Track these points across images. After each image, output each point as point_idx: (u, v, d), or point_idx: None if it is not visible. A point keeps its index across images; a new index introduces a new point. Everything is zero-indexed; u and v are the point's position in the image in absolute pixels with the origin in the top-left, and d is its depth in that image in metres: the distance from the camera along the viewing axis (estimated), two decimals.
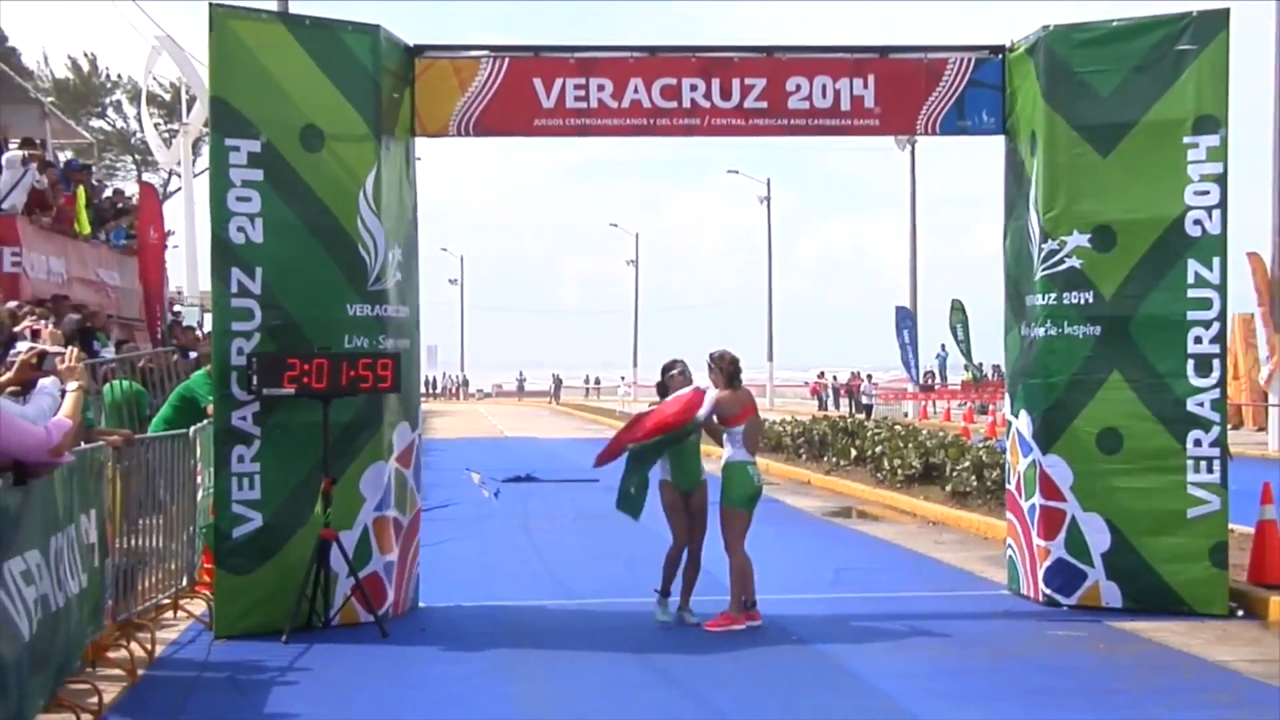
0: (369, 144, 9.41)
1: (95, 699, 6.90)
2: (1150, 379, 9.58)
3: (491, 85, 9.96)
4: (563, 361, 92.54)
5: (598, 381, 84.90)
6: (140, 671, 7.75)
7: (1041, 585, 9.94)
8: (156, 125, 43.79)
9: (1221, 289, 9.54)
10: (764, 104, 10.13)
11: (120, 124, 56.10)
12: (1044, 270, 9.87)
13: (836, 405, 51.03)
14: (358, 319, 9.37)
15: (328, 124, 9.27)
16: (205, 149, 28.89)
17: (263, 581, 9.00)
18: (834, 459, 21.43)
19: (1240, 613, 9.52)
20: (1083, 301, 9.73)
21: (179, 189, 41.96)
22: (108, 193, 24.91)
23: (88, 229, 19.94)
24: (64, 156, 24.33)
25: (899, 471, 18.14)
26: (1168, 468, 9.53)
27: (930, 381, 48.15)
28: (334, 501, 9.01)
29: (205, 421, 9.79)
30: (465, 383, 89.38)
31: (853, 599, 10.43)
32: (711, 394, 9.20)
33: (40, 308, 13.89)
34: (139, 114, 45.28)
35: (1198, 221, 9.50)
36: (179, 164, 37.53)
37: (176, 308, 25.10)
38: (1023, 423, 10.12)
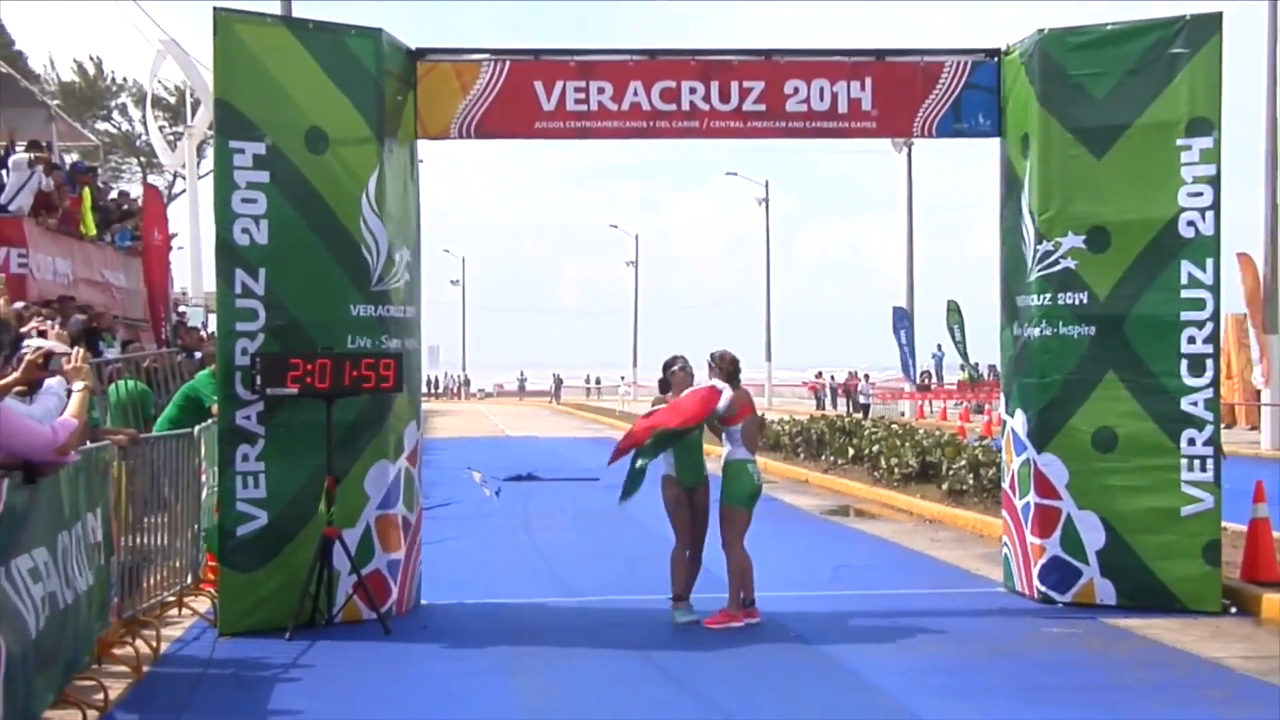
0: (371, 146, 9.41)
1: (101, 695, 6.90)
2: (1144, 379, 9.58)
3: (493, 88, 9.97)
4: (563, 361, 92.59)
5: (598, 381, 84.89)
6: (145, 668, 7.75)
7: (1037, 582, 9.94)
8: (161, 128, 43.72)
9: (1215, 290, 9.55)
10: (762, 106, 10.13)
11: (125, 127, 56.08)
12: (1039, 271, 9.87)
13: (834, 405, 51.03)
14: (361, 319, 9.37)
15: (331, 126, 9.27)
16: (209, 151, 28.87)
17: (267, 579, 9.00)
18: (832, 458, 21.44)
19: (1233, 610, 9.53)
20: (1077, 302, 9.74)
21: (183, 191, 41.98)
22: (113, 194, 24.89)
23: (93, 230, 19.94)
24: (70, 159, 24.31)
25: (896, 470, 18.15)
26: (1162, 466, 9.53)
27: (927, 381, 48.17)
28: (338, 500, 9.01)
29: (210, 421, 9.80)
30: (467, 382, 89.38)
31: (850, 596, 10.43)
32: (728, 392, 9.18)
33: (46, 308, 13.89)
34: (144, 117, 45.23)
35: (1191, 223, 9.51)
36: (184, 166, 37.45)
37: (181, 308, 25.10)
38: (1018, 422, 10.12)
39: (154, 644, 8.21)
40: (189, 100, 36.70)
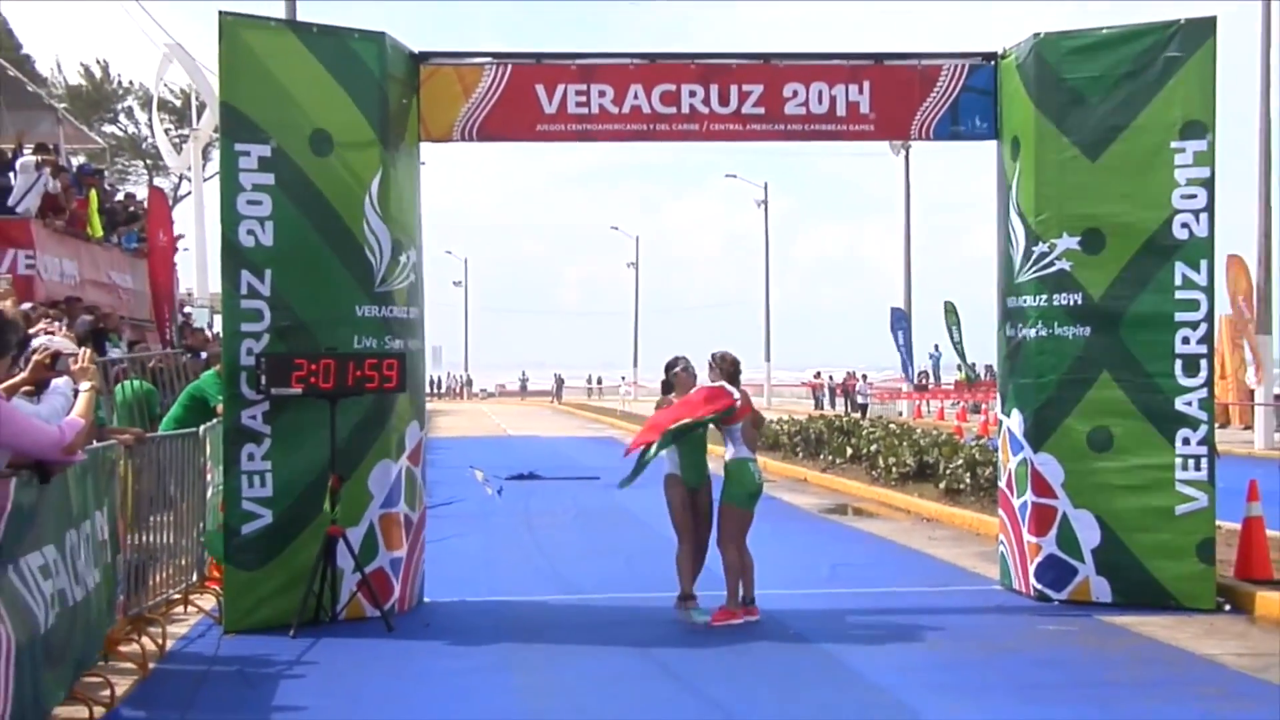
0: (375, 149, 9.42)
1: (107, 691, 6.91)
2: (1139, 379, 9.59)
3: (495, 91, 9.97)
4: (564, 362, 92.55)
5: (600, 381, 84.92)
6: (151, 665, 7.75)
7: (1033, 580, 9.94)
8: (167, 131, 43.80)
9: (1209, 291, 9.55)
10: (761, 110, 10.14)
11: (132, 130, 56.08)
12: (1035, 272, 9.88)
13: (832, 405, 51.02)
14: (365, 320, 9.37)
15: (335, 129, 9.27)
16: (215, 154, 28.87)
17: (271, 577, 9.01)
18: (830, 457, 21.44)
19: (1227, 607, 9.52)
20: (1072, 303, 9.74)
21: (189, 193, 42.02)
22: (119, 197, 24.91)
23: (100, 232, 19.95)
24: (77, 161, 24.29)
25: (894, 469, 18.15)
26: (1156, 465, 9.54)
27: (924, 381, 48.16)
28: (342, 498, 9.02)
29: (215, 420, 9.81)
30: (469, 382, 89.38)
31: (849, 594, 10.43)
32: (736, 392, 9.17)
33: (54, 309, 13.90)
34: (150, 120, 45.27)
35: (1185, 225, 9.51)
36: (189, 169, 37.54)
37: (187, 309, 25.13)
38: (1014, 421, 10.13)
39: (160, 641, 8.20)
40: (194, 103, 36.76)
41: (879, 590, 10.64)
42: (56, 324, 9.62)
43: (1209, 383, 9.59)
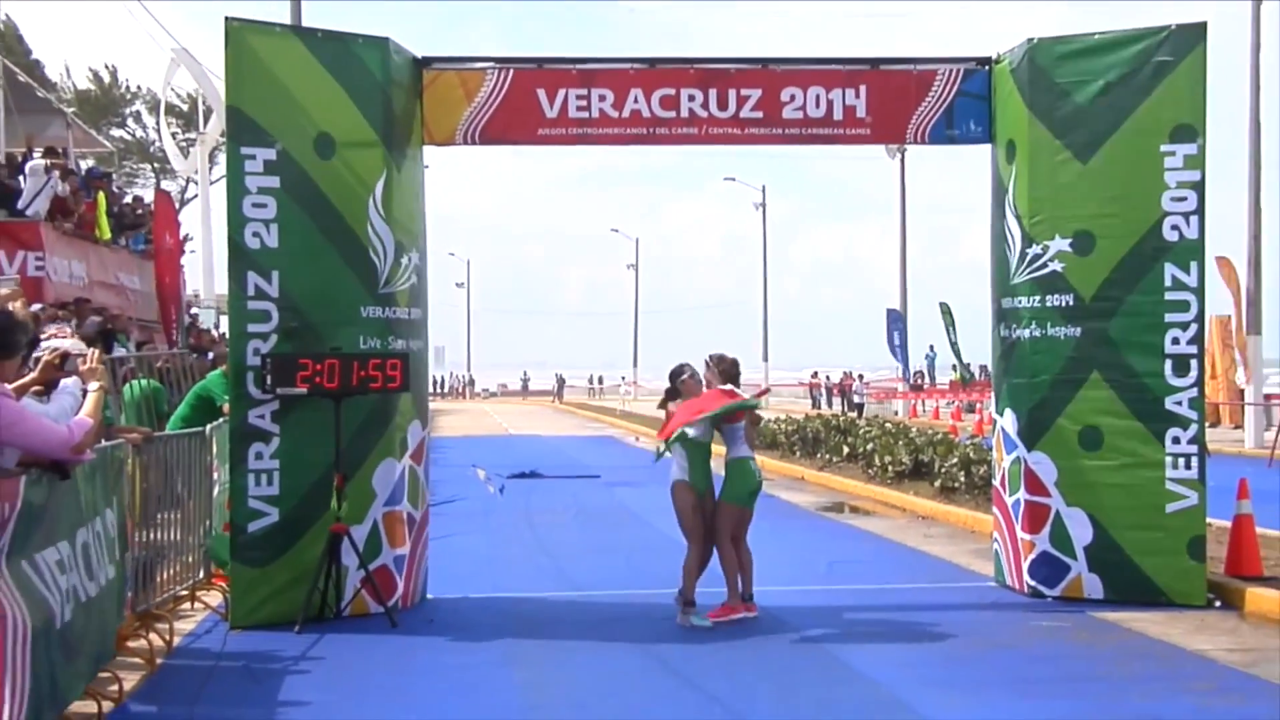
0: (379, 152, 9.41)
1: (116, 687, 6.90)
2: (1129, 378, 9.59)
3: (497, 96, 9.97)
4: (565, 362, 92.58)
5: (601, 381, 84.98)
6: (159, 660, 7.76)
7: (1026, 577, 9.94)
8: (174, 135, 43.85)
9: (1199, 292, 9.55)
10: (760, 114, 10.13)
11: (140, 133, 56.11)
12: (1029, 273, 9.88)
13: (829, 404, 51.02)
14: (370, 320, 9.37)
15: (340, 133, 9.27)
16: (222, 158, 28.91)
17: (277, 574, 9.01)
18: (827, 456, 21.44)
19: (1218, 604, 9.53)
20: (1064, 304, 9.75)
21: (196, 196, 42.02)
22: (127, 199, 24.90)
23: (108, 234, 19.95)
24: (85, 164, 24.28)
25: (889, 468, 18.15)
26: (1147, 464, 9.54)
27: (920, 381, 48.15)
28: (346, 497, 9.01)
29: (221, 420, 9.81)
30: (471, 382, 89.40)
31: (845, 591, 10.43)
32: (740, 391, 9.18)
33: (63, 310, 13.89)
34: (158, 124, 45.28)
35: (1175, 227, 9.51)
36: (196, 172, 37.56)
37: (194, 310, 25.12)
38: (1008, 421, 10.13)
39: (167, 637, 8.21)
40: (201, 108, 36.77)
41: (875, 587, 10.64)
42: (64, 325, 9.62)
43: (1199, 382, 9.59)
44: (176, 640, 8.36)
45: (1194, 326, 9.55)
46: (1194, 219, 9.51)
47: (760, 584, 9.33)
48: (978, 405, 35.32)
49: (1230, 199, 26.51)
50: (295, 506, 9.06)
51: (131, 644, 7.72)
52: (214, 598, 9.60)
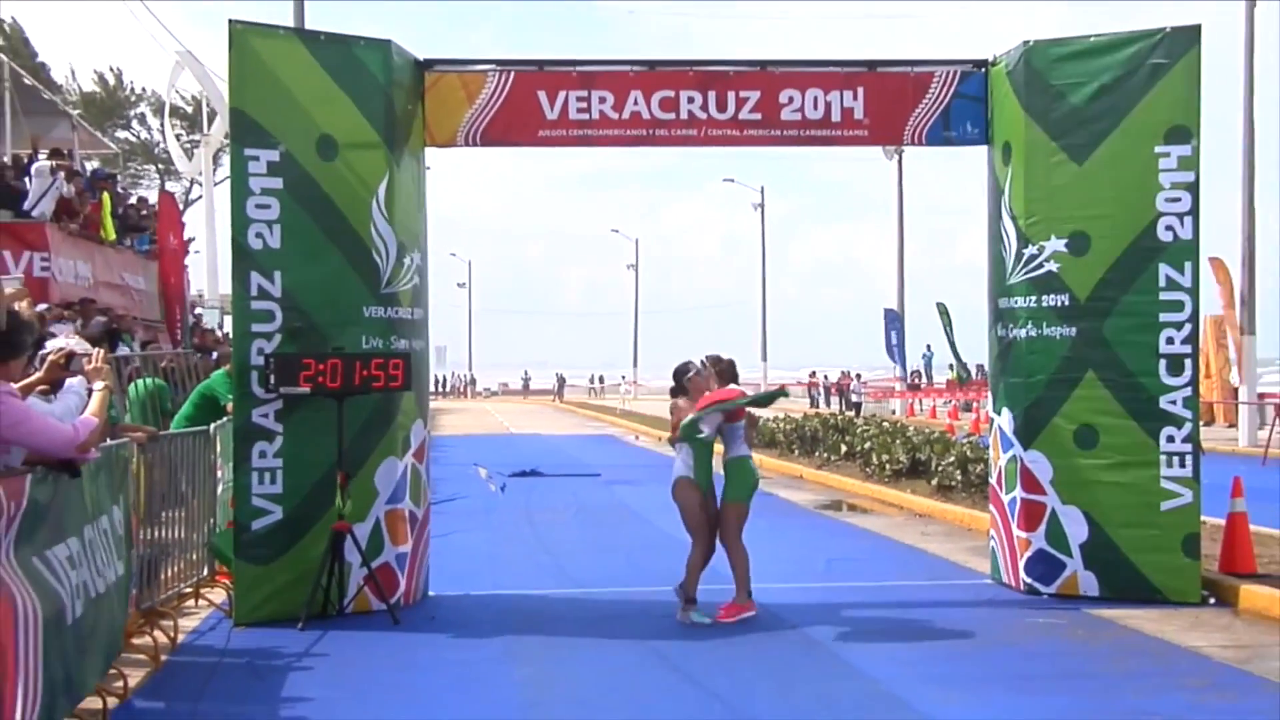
0: (381, 154, 9.42)
1: (121, 683, 6.90)
2: (1124, 378, 9.59)
3: (498, 98, 9.97)
4: (566, 361, 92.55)
5: (601, 380, 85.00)
6: (163, 657, 7.76)
7: (1023, 575, 9.94)
8: (179, 136, 43.83)
9: (1193, 292, 9.55)
10: (758, 115, 10.13)
11: (144, 135, 56.15)
12: (1025, 274, 9.88)
13: (827, 403, 51.03)
14: (373, 320, 9.38)
15: (342, 134, 9.27)
16: (225, 159, 28.88)
17: (281, 572, 9.01)
18: (825, 454, 21.44)
19: (1212, 601, 9.53)
20: (1059, 304, 9.75)
21: (200, 197, 42.03)
22: (132, 201, 24.91)
23: (113, 235, 19.96)
24: (90, 166, 24.29)
25: (887, 466, 18.15)
26: (1142, 462, 9.54)
27: (917, 380, 48.15)
28: (349, 495, 9.01)
29: (225, 419, 9.81)
30: (473, 382, 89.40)
31: (844, 588, 10.43)
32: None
33: (68, 310, 13.91)
34: (162, 126, 45.38)
35: (1169, 227, 9.52)
36: (200, 174, 37.57)
37: (198, 310, 25.14)
38: (1004, 420, 10.13)
39: (172, 634, 8.21)
40: (205, 110, 36.80)
41: (873, 584, 10.64)
42: (69, 326, 9.62)
43: (1193, 381, 9.59)
44: (181, 637, 8.37)
45: (1188, 326, 9.55)
46: (1188, 220, 9.51)
47: (759, 581, 9.32)
48: (974, 404, 35.34)
49: (1224, 200, 26.53)
50: (298, 505, 9.07)
51: (136, 640, 7.72)
52: (218, 595, 9.61)
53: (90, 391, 6.14)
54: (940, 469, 16.44)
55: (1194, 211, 9.51)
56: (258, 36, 9.17)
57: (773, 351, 57.76)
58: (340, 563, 9.07)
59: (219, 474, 9.70)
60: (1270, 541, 11.28)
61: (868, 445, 19.57)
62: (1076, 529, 9.68)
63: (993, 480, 10.54)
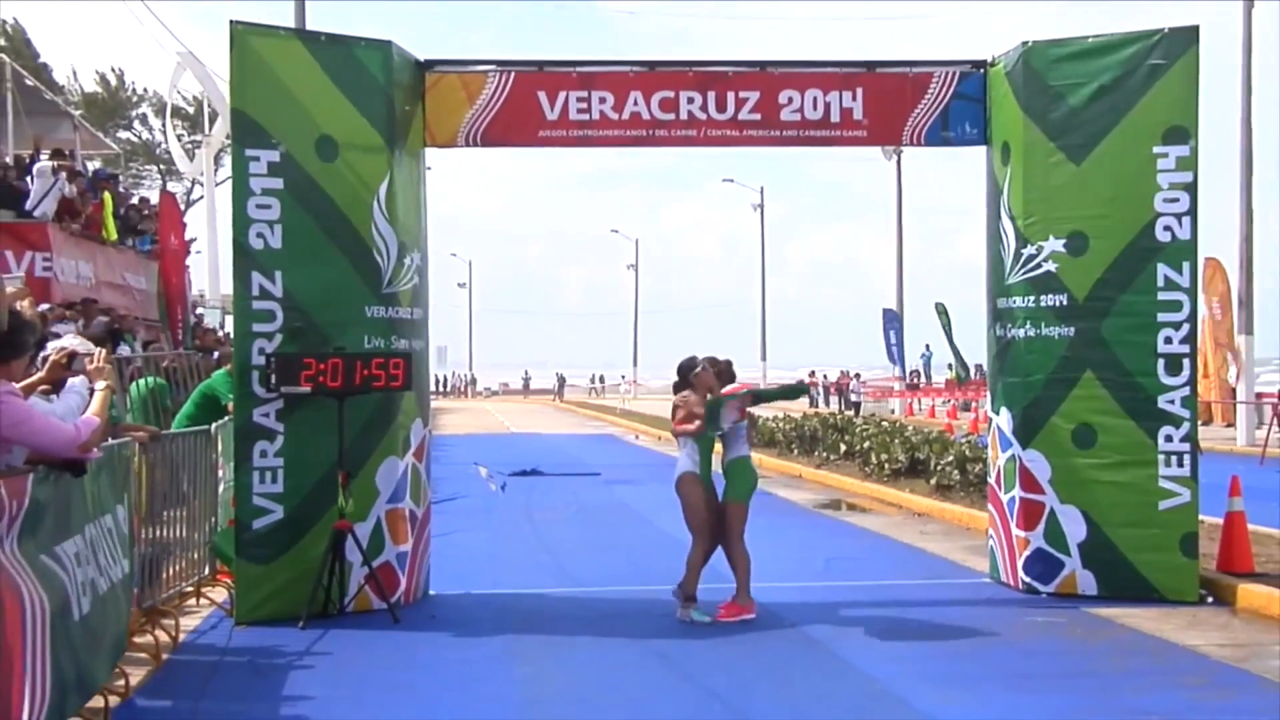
0: (382, 154, 9.42)
1: (122, 681, 6.90)
2: (1121, 377, 9.59)
3: (498, 98, 9.97)
4: (566, 361, 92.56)
5: (601, 380, 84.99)
6: (165, 655, 7.76)
7: (1021, 574, 9.94)
8: (180, 137, 43.82)
9: (1191, 292, 9.56)
10: (758, 116, 10.13)
11: (146, 136, 56.17)
12: (1024, 274, 9.88)
13: (827, 403, 51.01)
14: (374, 320, 9.38)
15: (342, 135, 9.27)
16: (226, 160, 28.90)
17: (282, 571, 9.01)
18: (824, 454, 21.44)
19: (1210, 600, 9.53)
20: (1058, 304, 9.75)
21: (201, 198, 42.04)
22: (133, 201, 24.90)
23: (114, 235, 19.96)
24: (92, 166, 24.28)
25: (886, 466, 18.15)
26: (1140, 462, 9.54)
27: (916, 380, 48.15)
28: (350, 494, 9.01)
29: (226, 418, 9.81)
30: (473, 381, 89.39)
31: (842, 587, 10.43)
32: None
33: (70, 310, 13.91)
34: (163, 126, 45.38)
35: (1167, 228, 9.52)
36: (202, 174, 37.55)
37: (199, 310, 25.13)
38: (1003, 419, 10.13)
39: (173, 632, 8.22)
40: (206, 110, 36.76)
41: (872, 583, 10.64)
42: (72, 326, 9.62)
43: (1191, 381, 9.59)
44: (182, 636, 8.37)
45: (1186, 326, 9.55)
46: (1186, 220, 9.51)
47: (758, 580, 9.31)
48: (973, 404, 35.35)
49: (1223, 200, 26.52)
50: (299, 504, 9.07)
51: (138, 639, 7.72)
52: (219, 594, 9.61)
53: (92, 391, 6.13)
54: (939, 468, 16.44)
55: (1192, 212, 9.52)
56: (258, 37, 9.17)
57: (772, 351, 57.75)
58: (341, 562, 9.07)
59: (220, 473, 9.70)
60: (1268, 541, 11.28)
61: (867, 445, 19.57)
62: (1075, 528, 9.68)
63: (991, 479, 10.54)
